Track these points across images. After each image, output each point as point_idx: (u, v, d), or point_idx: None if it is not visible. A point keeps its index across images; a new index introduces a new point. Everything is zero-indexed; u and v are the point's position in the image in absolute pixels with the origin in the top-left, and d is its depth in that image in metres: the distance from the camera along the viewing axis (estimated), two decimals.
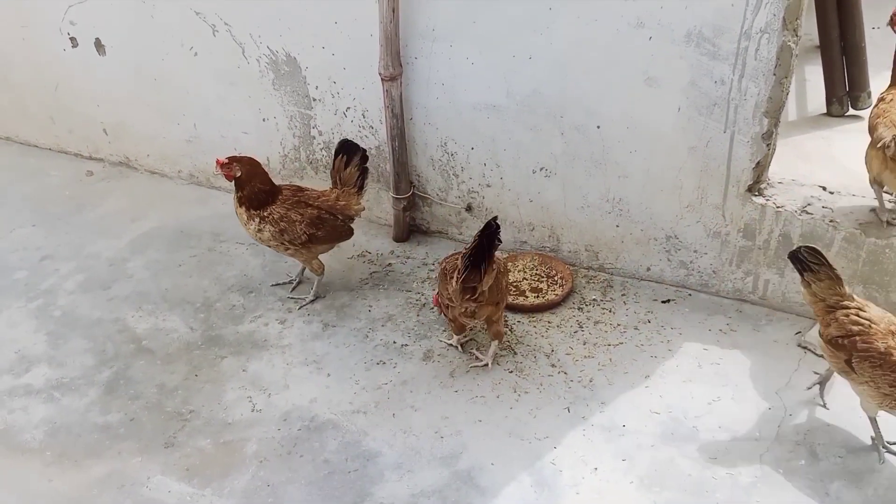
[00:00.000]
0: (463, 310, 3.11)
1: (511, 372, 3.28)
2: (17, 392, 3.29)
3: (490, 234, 2.93)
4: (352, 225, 3.65)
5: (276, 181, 3.69)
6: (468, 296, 3.05)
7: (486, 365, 3.29)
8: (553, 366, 3.30)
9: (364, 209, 3.71)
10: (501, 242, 3.00)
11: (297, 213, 3.50)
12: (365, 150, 3.59)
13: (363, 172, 3.59)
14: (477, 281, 2.99)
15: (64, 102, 4.83)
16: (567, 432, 3.00)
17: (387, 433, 3.04)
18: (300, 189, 3.65)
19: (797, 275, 3.32)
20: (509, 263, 3.82)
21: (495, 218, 2.96)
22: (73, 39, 4.52)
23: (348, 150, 3.55)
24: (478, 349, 3.38)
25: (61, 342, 3.54)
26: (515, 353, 3.37)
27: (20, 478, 2.94)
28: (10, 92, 4.99)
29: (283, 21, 3.85)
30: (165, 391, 3.27)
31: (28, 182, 4.77)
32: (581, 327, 3.49)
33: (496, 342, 3.29)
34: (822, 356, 3.22)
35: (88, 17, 4.40)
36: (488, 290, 3.06)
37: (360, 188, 3.62)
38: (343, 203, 3.59)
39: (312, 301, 3.72)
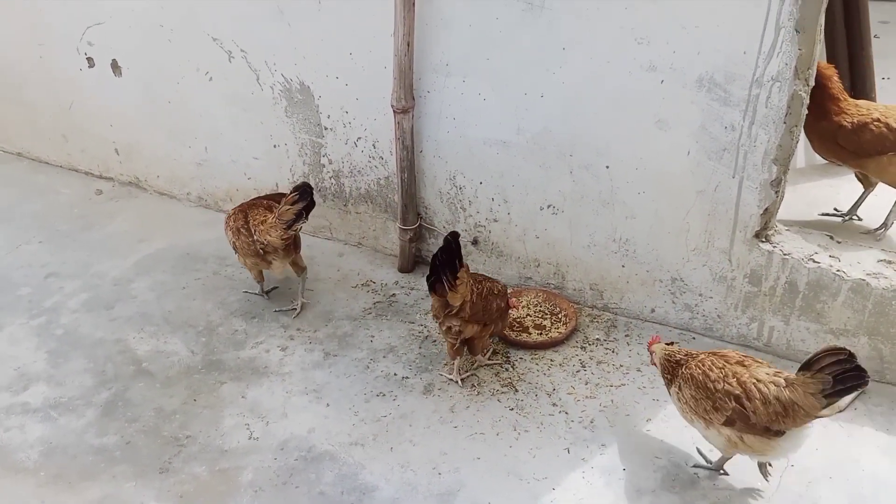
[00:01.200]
0: (447, 327, 3.19)
1: (512, 409, 3.25)
2: (15, 410, 3.28)
3: (444, 247, 3.01)
4: (262, 250, 3.60)
5: None
6: (447, 311, 3.12)
7: (457, 382, 3.36)
8: (554, 405, 3.27)
9: (278, 244, 3.56)
10: (459, 255, 3.05)
11: (233, 219, 3.74)
12: (312, 207, 3.55)
13: (298, 217, 3.53)
14: (444, 294, 3.06)
15: (77, 121, 4.87)
16: (567, 474, 2.96)
17: (384, 467, 3.01)
18: (271, 206, 3.70)
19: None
20: (513, 298, 3.81)
21: (453, 233, 3.03)
22: (89, 59, 4.57)
23: (302, 195, 3.52)
24: (464, 379, 3.37)
25: (61, 361, 3.53)
26: (517, 391, 3.34)
27: (13, 498, 2.91)
28: (25, 109, 5.03)
29: (299, 50, 3.90)
30: (163, 415, 3.25)
31: (37, 199, 4.79)
32: (583, 367, 3.47)
33: (473, 357, 3.41)
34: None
35: (106, 39, 4.46)
36: (470, 307, 3.14)
37: (288, 227, 3.55)
38: (262, 228, 3.61)
39: (261, 293, 3.91)
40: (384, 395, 3.34)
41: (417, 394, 3.34)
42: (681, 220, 3.43)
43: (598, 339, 3.63)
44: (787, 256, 3.29)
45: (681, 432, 3.12)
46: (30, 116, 5.06)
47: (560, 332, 3.64)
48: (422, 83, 3.67)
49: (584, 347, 3.58)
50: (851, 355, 2.47)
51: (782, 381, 2.60)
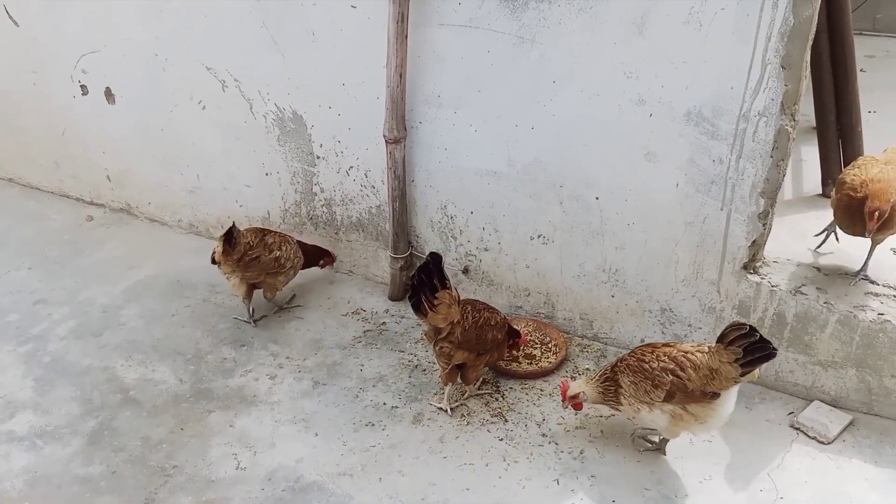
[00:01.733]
0: (439, 348, 3.23)
1: (501, 440, 3.24)
2: (0, 438, 3.24)
3: (421, 266, 3.11)
4: (213, 258, 3.75)
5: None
6: (437, 334, 3.20)
7: (446, 411, 3.37)
8: (544, 435, 3.26)
9: (218, 258, 3.71)
10: (440, 276, 3.11)
11: None
12: (231, 243, 3.67)
13: (225, 245, 3.68)
14: (423, 314, 3.14)
15: (70, 148, 4.89)
16: None
17: (373, 498, 2.98)
18: (266, 235, 3.91)
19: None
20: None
21: (432, 253, 3.12)
22: (83, 87, 4.60)
23: (228, 235, 3.67)
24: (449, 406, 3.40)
25: (48, 389, 3.51)
26: (506, 421, 3.33)
27: None
28: (17, 135, 5.05)
29: (292, 80, 3.93)
30: (150, 444, 3.22)
31: (28, 225, 4.79)
32: None
33: (464, 386, 3.42)
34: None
35: (101, 67, 4.49)
36: (462, 333, 3.18)
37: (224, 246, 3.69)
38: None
39: (250, 321, 3.95)
40: (373, 424, 3.32)
41: (407, 423, 3.33)
42: (670, 251, 3.45)
43: (587, 369, 3.63)
44: (774, 288, 3.31)
45: (670, 464, 3.12)
46: (22, 142, 5.07)
47: (550, 362, 3.64)
48: (414, 114, 3.70)
49: (574, 377, 3.58)
50: (753, 329, 2.77)
51: (706, 349, 2.90)
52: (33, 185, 5.19)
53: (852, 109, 4.21)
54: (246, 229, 3.89)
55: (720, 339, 2.84)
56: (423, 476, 3.08)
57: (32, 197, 5.10)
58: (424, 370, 3.62)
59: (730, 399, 2.91)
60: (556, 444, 3.23)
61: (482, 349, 3.28)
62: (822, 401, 3.36)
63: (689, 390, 2.87)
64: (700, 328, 3.53)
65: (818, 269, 3.45)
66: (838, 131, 4.22)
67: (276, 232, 3.94)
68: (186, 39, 4.13)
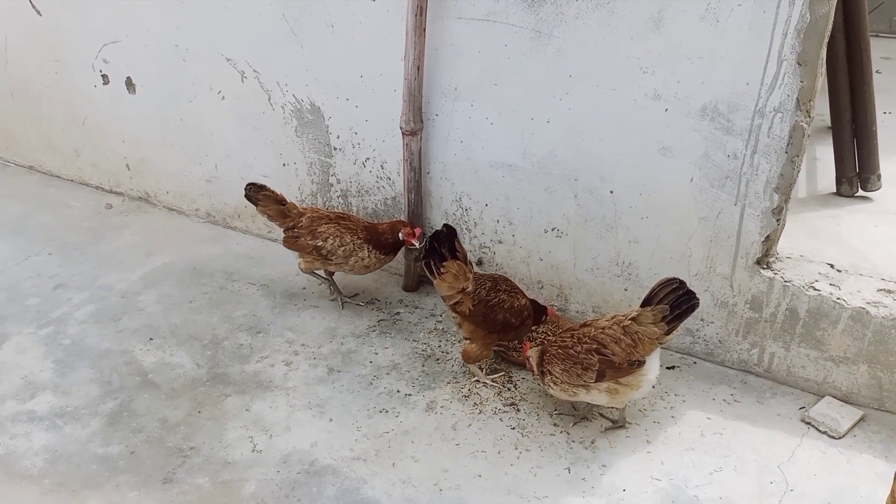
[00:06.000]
0: (452, 317, 3.43)
1: (514, 429, 3.28)
2: (21, 418, 3.31)
3: (434, 234, 3.29)
4: None
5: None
6: (451, 302, 3.36)
7: (485, 383, 3.51)
8: (556, 425, 3.30)
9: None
10: (451, 247, 3.26)
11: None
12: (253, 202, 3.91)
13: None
14: (433, 277, 3.31)
15: (90, 136, 4.95)
16: (567, 493, 2.98)
17: (386, 482, 3.03)
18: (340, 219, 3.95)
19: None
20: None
21: (445, 224, 3.29)
22: (104, 76, 4.66)
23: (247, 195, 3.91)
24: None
25: (68, 371, 3.57)
26: (518, 410, 3.37)
27: None
28: (39, 123, 5.12)
29: (311, 72, 3.98)
30: (167, 426, 3.27)
31: (48, 211, 4.86)
32: None
33: (465, 364, 3.55)
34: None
35: (122, 57, 4.55)
36: (473, 306, 3.32)
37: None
38: None
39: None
40: (387, 411, 3.37)
41: (420, 411, 3.37)
42: (683, 245, 3.48)
43: None
44: (787, 283, 3.33)
45: (681, 455, 3.15)
46: (43, 131, 5.14)
47: None
48: (430, 106, 3.74)
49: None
50: (682, 282, 2.98)
51: (622, 318, 3.03)
52: (53, 172, 5.26)
53: (868, 109, 4.23)
54: (319, 211, 3.91)
55: (647, 302, 3.00)
56: (435, 462, 3.12)
57: (52, 184, 5.17)
58: (438, 359, 3.66)
59: (653, 363, 3.07)
60: (568, 433, 3.26)
61: (492, 328, 3.36)
62: (834, 396, 3.37)
63: (616, 365, 2.99)
64: (712, 322, 3.56)
65: (831, 265, 3.46)
66: (853, 130, 4.24)
67: (347, 226, 3.80)
68: (207, 30, 4.18)
